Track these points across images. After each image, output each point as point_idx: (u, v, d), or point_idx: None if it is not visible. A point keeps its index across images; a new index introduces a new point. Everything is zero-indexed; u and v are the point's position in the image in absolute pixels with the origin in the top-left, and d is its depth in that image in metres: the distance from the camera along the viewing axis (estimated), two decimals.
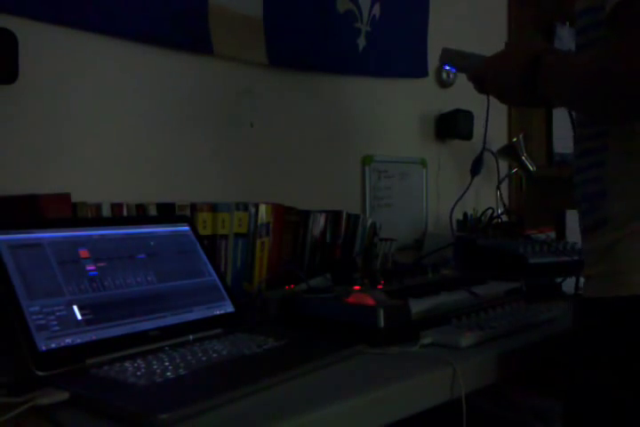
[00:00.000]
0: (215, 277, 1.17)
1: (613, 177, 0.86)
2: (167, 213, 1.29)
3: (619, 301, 0.83)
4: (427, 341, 1.02)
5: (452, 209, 1.86)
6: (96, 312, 0.96)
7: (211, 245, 1.32)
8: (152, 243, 1.12)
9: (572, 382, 0.90)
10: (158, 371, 0.85)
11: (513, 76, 0.93)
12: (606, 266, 0.86)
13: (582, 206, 0.92)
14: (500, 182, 2.12)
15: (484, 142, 1.75)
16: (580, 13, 0.89)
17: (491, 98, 1.09)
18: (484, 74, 1.01)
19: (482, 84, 1.03)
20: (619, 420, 0.83)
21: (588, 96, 0.82)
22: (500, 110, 2.26)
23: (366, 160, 1.86)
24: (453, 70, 1.19)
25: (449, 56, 1.17)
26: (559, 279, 1.45)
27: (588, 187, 0.90)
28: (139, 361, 0.90)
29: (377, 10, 1.81)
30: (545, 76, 0.89)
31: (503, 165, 2.19)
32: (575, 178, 0.93)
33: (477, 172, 2.00)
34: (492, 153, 2.03)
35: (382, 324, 1.01)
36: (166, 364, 0.88)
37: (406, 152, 1.99)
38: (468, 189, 1.93)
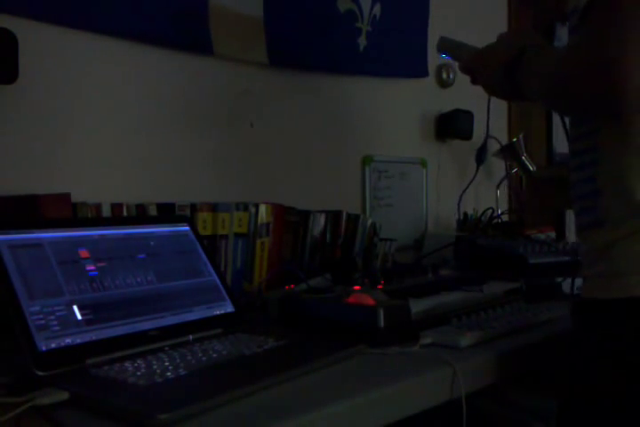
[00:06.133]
0: (215, 277, 1.17)
1: (607, 176, 0.85)
2: (167, 213, 1.29)
3: (616, 302, 0.82)
4: (427, 341, 1.01)
5: (460, 199, 1.93)
6: (96, 312, 0.96)
7: (211, 245, 1.32)
8: (152, 243, 1.12)
9: (571, 383, 0.90)
10: (158, 371, 0.85)
11: (497, 70, 0.96)
12: (604, 266, 0.85)
13: (578, 206, 0.91)
14: (500, 182, 2.13)
15: (487, 129, 1.75)
16: (568, 14, 0.90)
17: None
18: (474, 65, 1.03)
19: (472, 76, 1.06)
20: (617, 418, 0.83)
21: (555, 94, 0.85)
22: (500, 111, 2.26)
23: (366, 160, 1.86)
24: (449, 58, 1.20)
25: (446, 45, 1.19)
26: (559, 279, 1.45)
27: (584, 186, 0.89)
28: (139, 361, 0.89)
29: (377, 9, 1.81)
30: (523, 71, 0.92)
31: (503, 164, 2.19)
32: (570, 177, 0.93)
33: (482, 160, 2.01)
34: (497, 139, 2.04)
35: (382, 324, 1.01)
36: (166, 364, 0.88)
37: (406, 152, 1.99)
38: (474, 178, 1.94)
